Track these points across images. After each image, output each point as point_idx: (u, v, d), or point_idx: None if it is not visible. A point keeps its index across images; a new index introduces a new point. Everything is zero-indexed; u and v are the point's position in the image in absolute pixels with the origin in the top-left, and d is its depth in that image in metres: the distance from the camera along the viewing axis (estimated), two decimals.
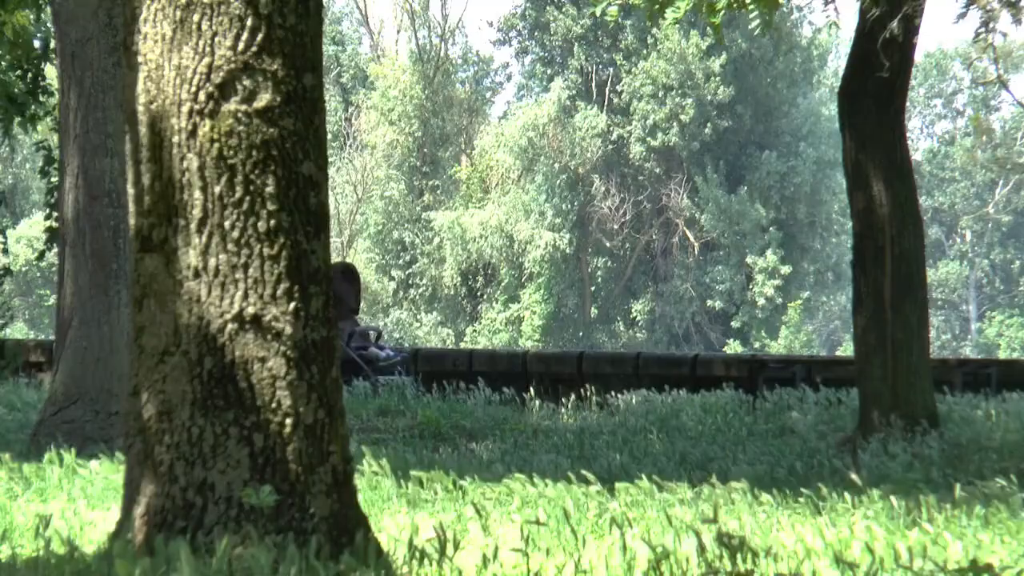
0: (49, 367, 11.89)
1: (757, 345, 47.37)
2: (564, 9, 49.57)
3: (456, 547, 4.12)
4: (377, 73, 50.17)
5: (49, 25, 12.35)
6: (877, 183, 9.11)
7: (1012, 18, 8.77)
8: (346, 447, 4.11)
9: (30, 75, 12.88)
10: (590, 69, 49.74)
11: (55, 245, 12.90)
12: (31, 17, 12.69)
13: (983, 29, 8.93)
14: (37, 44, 13.18)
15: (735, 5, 9.41)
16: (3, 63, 12.95)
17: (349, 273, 13.51)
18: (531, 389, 11.75)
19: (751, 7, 9.20)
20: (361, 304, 13.84)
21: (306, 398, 3.97)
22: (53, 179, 12.76)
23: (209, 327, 3.92)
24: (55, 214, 12.81)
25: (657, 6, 9.70)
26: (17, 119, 12.92)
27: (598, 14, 9.87)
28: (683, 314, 48.73)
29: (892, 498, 5.59)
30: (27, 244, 47.38)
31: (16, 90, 12.74)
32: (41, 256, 14.05)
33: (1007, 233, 62.35)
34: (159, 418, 3.94)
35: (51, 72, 14.35)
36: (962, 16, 9.01)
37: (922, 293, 9.17)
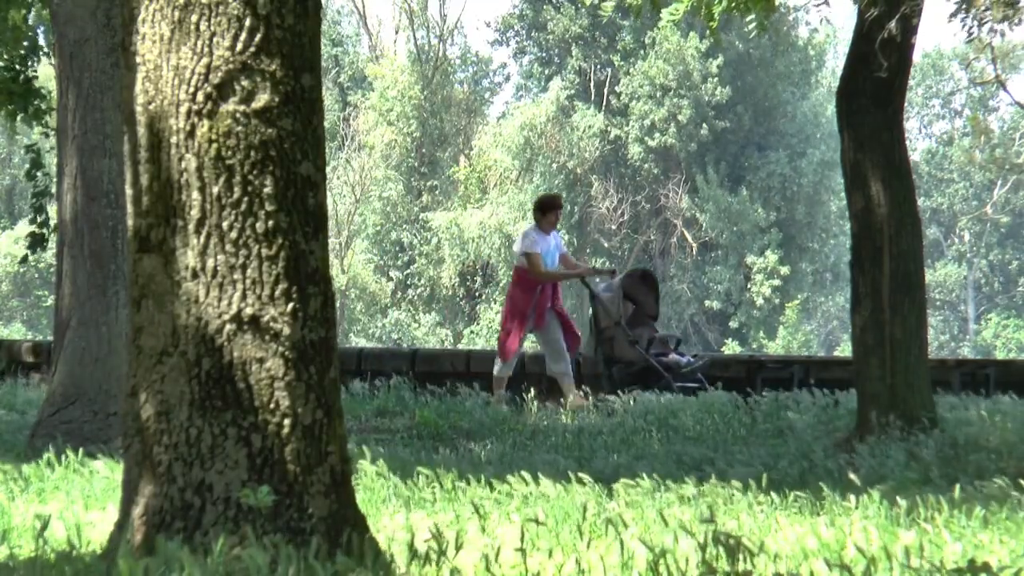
0: (46, 368, 11.88)
1: (755, 345, 47.40)
2: (562, 9, 49.60)
3: (455, 548, 4.11)
4: (375, 73, 50.15)
5: (48, 20, 12.33)
6: (875, 183, 9.09)
7: (1004, 20, 8.73)
8: (344, 447, 4.11)
9: (22, 76, 12.86)
10: (588, 69, 49.76)
11: (37, 251, 12.90)
12: (24, 15, 12.66)
13: (976, 28, 8.90)
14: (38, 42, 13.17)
15: (735, 10, 9.40)
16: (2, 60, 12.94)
17: (648, 279, 13.21)
18: (531, 389, 11.74)
19: (746, 9, 9.20)
20: (660, 310, 13.26)
21: (304, 398, 3.97)
22: (39, 184, 12.73)
23: (207, 328, 3.92)
24: (39, 219, 12.79)
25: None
26: (20, 115, 12.90)
27: (597, 3, 9.88)
28: (681, 314, 48.76)
29: (891, 498, 5.59)
30: (24, 245, 47.41)
31: (14, 84, 12.73)
32: (24, 260, 14.02)
33: (1005, 234, 62.42)
34: (157, 419, 3.94)
35: (43, 73, 14.36)
36: (954, 16, 8.98)
37: (920, 293, 9.15)
